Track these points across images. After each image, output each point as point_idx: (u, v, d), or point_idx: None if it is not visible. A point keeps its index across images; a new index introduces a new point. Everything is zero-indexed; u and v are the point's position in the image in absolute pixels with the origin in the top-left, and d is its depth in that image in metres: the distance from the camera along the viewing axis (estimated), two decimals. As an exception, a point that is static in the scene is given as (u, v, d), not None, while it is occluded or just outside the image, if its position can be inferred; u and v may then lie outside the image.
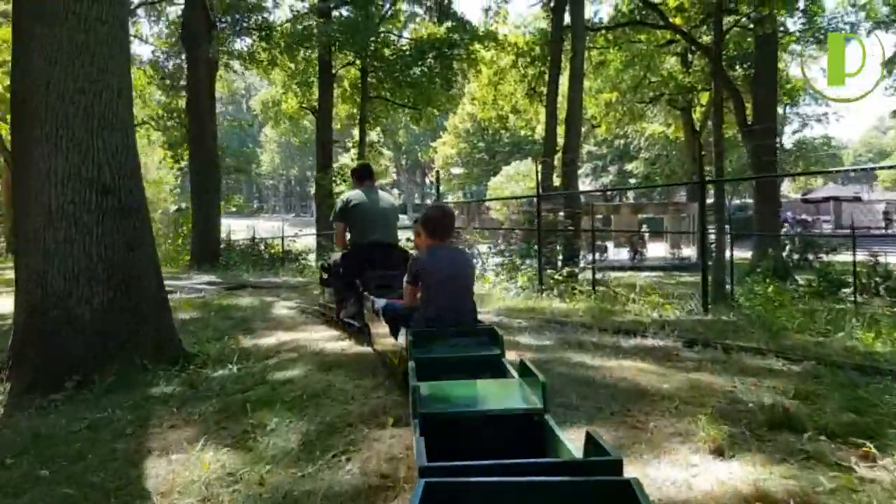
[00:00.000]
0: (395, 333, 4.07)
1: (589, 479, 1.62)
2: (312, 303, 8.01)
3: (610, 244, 30.48)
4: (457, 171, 52.48)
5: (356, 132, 26.40)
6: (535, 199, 11.80)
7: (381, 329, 4.51)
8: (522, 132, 46.12)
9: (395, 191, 46.23)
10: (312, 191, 35.10)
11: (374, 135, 28.85)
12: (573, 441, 2.07)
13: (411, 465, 2.67)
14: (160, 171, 33.77)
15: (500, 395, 2.62)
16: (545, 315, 7.20)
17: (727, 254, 14.98)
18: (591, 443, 1.86)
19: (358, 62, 23.29)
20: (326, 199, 23.29)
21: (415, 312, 3.79)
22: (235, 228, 28.25)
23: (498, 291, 9.63)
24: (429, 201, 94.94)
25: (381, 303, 4.54)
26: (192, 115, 17.38)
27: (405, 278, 3.91)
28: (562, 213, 13.91)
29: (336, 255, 6.07)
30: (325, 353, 5.13)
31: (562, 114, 18.62)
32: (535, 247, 11.33)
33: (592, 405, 3.56)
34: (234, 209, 49.32)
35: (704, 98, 31.10)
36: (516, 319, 6.96)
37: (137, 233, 5.10)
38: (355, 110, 25.81)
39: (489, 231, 26.09)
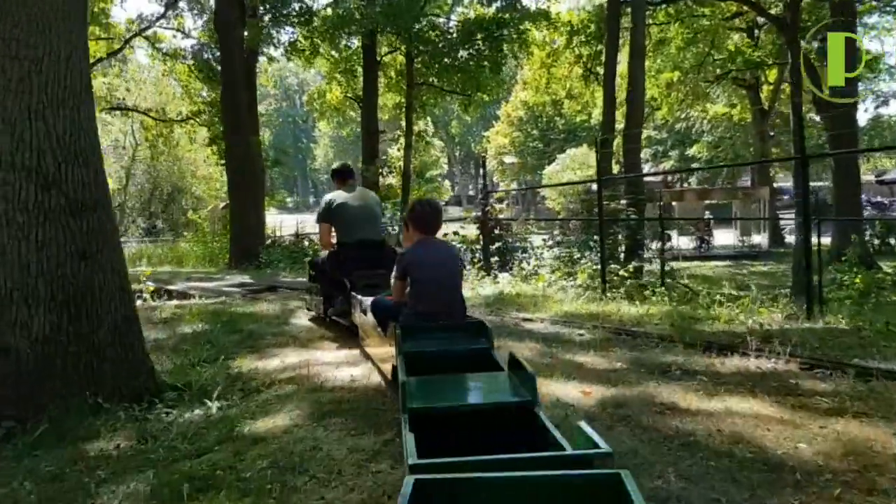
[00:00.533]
0: (384, 329, 3.98)
1: (579, 473, 1.58)
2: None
3: (673, 233, 28.68)
4: (510, 160, 50.96)
5: (404, 123, 25.30)
6: (594, 185, 10.48)
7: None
8: (577, 118, 44.38)
9: (447, 182, 45.05)
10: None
11: (421, 124, 27.72)
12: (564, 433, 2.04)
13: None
14: (210, 166, 33.51)
15: (490, 389, 2.61)
16: (612, 323, 5.92)
17: (813, 241, 13.33)
18: (582, 436, 1.82)
19: (403, 47, 22.15)
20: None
21: (403, 307, 3.78)
22: (289, 224, 27.58)
23: (554, 292, 8.34)
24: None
25: (368, 300, 4.51)
26: (227, 108, 16.50)
27: (393, 273, 3.90)
28: (623, 201, 12.49)
29: (324, 254, 6.07)
30: (328, 386, 4.01)
31: (620, 95, 17.11)
32: (596, 238, 10.04)
33: (705, 496, 2.30)
34: (285, 205, 48.96)
35: (772, 75, 28.96)
36: (577, 329, 5.71)
37: (94, 237, 4.00)
38: (401, 98, 24.71)
39: (545, 222, 24.67)
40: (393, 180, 24.52)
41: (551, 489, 1.53)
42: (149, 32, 23.49)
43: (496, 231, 10.66)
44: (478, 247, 11.09)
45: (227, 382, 4.18)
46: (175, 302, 8.57)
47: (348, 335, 5.63)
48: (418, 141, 25.38)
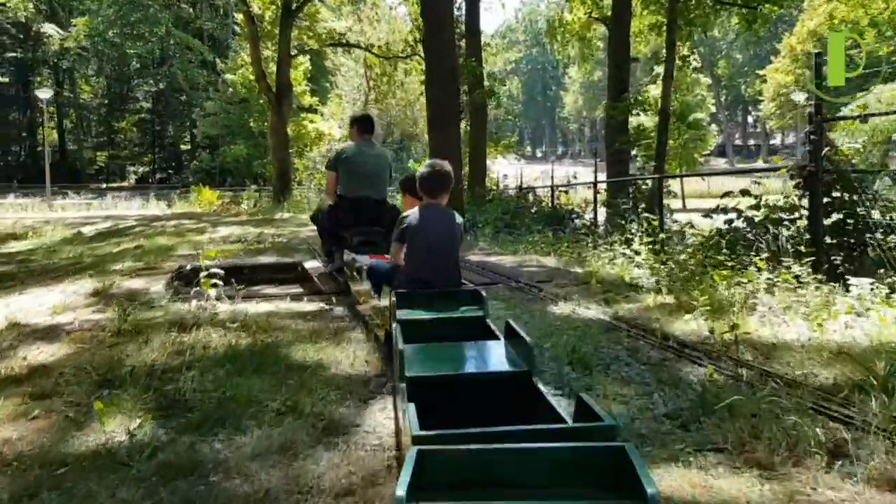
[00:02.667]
0: (377, 292, 4.09)
1: (584, 446, 1.57)
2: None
3: None
4: (800, 96, 42.24)
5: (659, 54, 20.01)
6: None
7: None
8: (881, 51, 34.99)
9: (714, 127, 38.26)
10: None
11: (685, 50, 22.13)
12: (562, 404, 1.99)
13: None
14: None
15: (486, 358, 2.59)
16: None
17: None
18: (583, 408, 1.80)
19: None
20: (619, 136, 17.68)
21: (399, 272, 3.79)
22: (529, 176, 23.98)
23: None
24: (752, 142, 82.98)
25: (365, 260, 4.78)
26: (429, 48, 12.97)
27: (392, 237, 3.88)
28: None
29: (326, 208, 6.00)
30: None
31: None
32: None
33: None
34: (527, 154, 45.32)
35: None
36: None
37: None
38: (660, 18, 19.49)
39: None
40: (646, 120, 19.61)
41: (556, 462, 1.51)
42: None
43: (839, 192, 5.70)
44: (796, 219, 6.28)
45: None
46: (228, 307, 5.18)
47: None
48: (681, 69, 19.96)
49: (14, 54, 45.94)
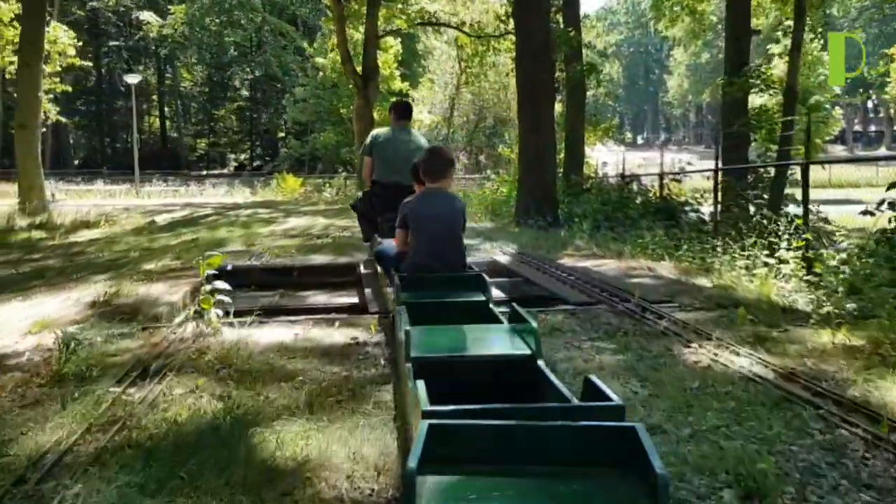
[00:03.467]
0: (390, 278, 3.90)
1: (592, 425, 1.56)
2: None
3: None
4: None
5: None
6: None
7: None
8: None
9: (838, 111, 34.75)
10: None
11: (814, 20, 19.47)
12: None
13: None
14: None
15: (491, 341, 2.58)
16: None
17: None
18: (590, 388, 1.82)
19: None
20: (737, 117, 15.50)
21: (404, 257, 3.83)
22: (630, 163, 22.01)
23: None
24: (873, 128, 76.14)
25: (381, 246, 4.61)
26: (520, 15, 11.37)
27: (396, 222, 3.91)
28: None
29: (362, 194, 6.21)
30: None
31: None
32: None
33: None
34: (628, 140, 42.79)
35: None
36: None
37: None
38: (789, -18, 17.07)
39: None
40: (766, 100, 17.27)
41: (563, 439, 1.51)
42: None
43: None
44: None
45: None
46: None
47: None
48: (810, 42, 17.49)
49: (116, 43, 47.13)
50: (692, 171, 14.15)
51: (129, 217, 15.11)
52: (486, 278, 3.31)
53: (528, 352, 2.30)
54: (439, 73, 33.46)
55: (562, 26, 14.94)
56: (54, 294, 5.44)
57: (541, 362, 2.22)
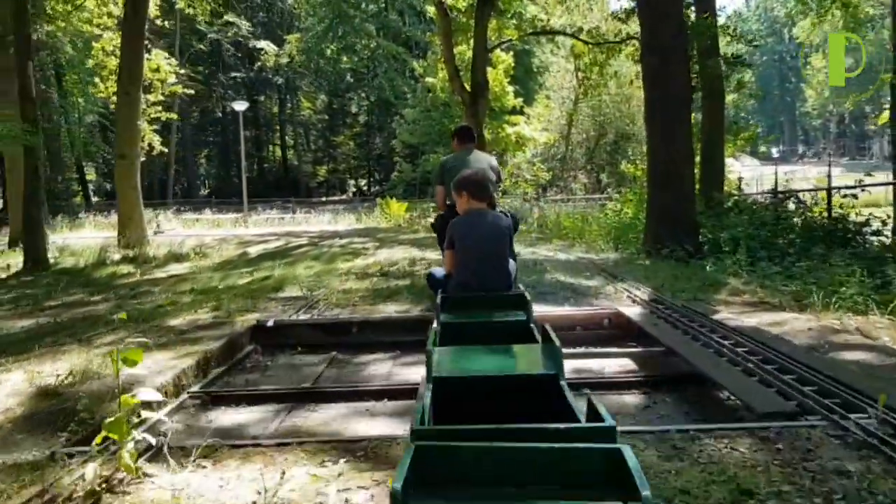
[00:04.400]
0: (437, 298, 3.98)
1: (579, 447, 1.56)
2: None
3: None
4: None
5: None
6: None
7: None
8: None
9: None
10: (871, 126, 23.09)
11: None
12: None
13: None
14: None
15: (518, 361, 2.58)
16: None
17: None
18: (592, 409, 1.81)
19: None
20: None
21: (451, 277, 3.93)
22: (769, 178, 19.31)
23: None
24: None
25: (433, 269, 4.76)
26: (645, 13, 9.41)
27: (444, 243, 4.06)
28: None
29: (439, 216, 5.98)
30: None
31: None
32: None
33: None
34: (764, 154, 38.98)
35: None
36: None
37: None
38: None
39: None
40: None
41: (552, 460, 1.51)
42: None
43: None
44: None
45: None
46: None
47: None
48: None
49: (239, 74, 48.34)
50: (878, 184, 11.45)
51: (225, 248, 14.31)
52: (528, 297, 3.26)
53: (549, 371, 2.27)
54: (556, 89, 31.53)
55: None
56: (21, 367, 4.09)
57: (563, 382, 2.18)
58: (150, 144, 19.89)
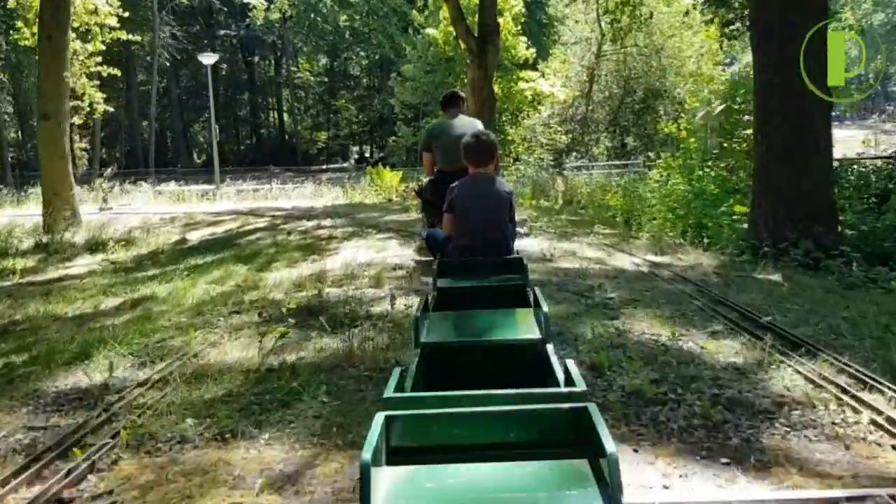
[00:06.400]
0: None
1: (547, 408, 1.60)
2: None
3: None
4: None
5: None
6: None
7: None
8: None
9: None
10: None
11: None
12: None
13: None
14: (706, 57, 22.88)
15: (508, 326, 2.56)
16: None
17: None
18: (568, 374, 1.85)
19: None
20: None
21: (450, 241, 3.85)
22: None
23: None
24: None
25: (432, 230, 4.59)
26: None
27: (444, 206, 3.90)
28: None
29: (426, 182, 6.15)
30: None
31: None
32: None
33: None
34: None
35: None
36: None
37: None
38: None
39: None
40: None
41: (520, 424, 1.54)
42: None
43: None
44: None
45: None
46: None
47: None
48: None
49: (229, 31, 44.72)
50: None
51: (165, 232, 11.24)
52: (525, 262, 3.24)
53: (536, 336, 2.27)
54: (574, 42, 27.84)
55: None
56: None
57: (549, 346, 2.18)
58: (91, 104, 16.46)
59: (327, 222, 10.55)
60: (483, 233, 3.63)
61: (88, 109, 16.59)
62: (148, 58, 38.23)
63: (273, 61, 52.94)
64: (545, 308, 2.34)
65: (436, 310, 2.61)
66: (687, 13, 21.31)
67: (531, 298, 2.73)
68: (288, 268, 6.33)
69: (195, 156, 51.24)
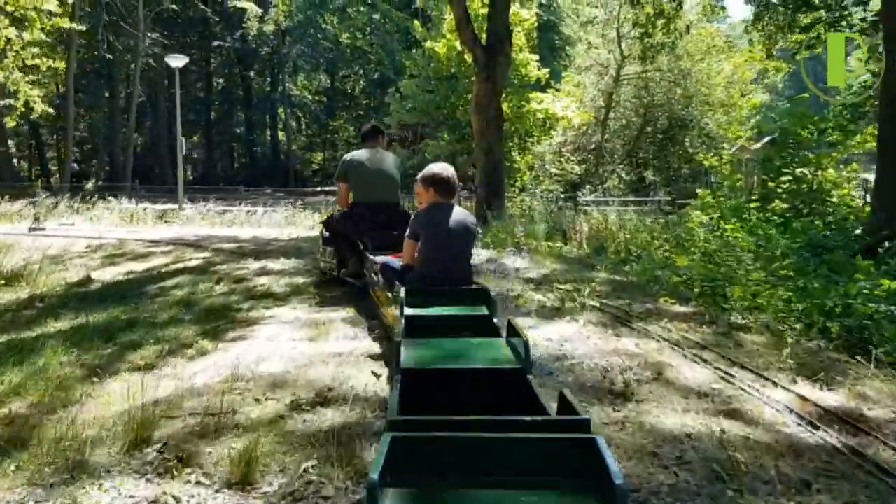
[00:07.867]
0: (391, 290, 4.07)
1: (555, 437, 1.59)
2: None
3: None
4: None
5: None
6: None
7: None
8: None
9: None
10: None
11: None
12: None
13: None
14: (737, 87, 20.46)
15: (485, 354, 2.57)
16: None
17: None
18: (564, 403, 1.84)
19: None
20: None
21: (411, 269, 3.82)
22: None
23: None
24: None
25: (380, 259, 4.56)
26: None
27: (406, 234, 3.91)
28: None
29: (338, 214, 6.05)
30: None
31: None
32: None
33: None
34: None
35: None
36: None
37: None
38: None
39: None
40: None
41: (528, 450, 1.52)
42: None
43: None
44: None
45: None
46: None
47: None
48: None
49: (224, 43, 42.39)
50: None
51: (77, 265, 8.75)
52: (491, 293, 3.29)
53: (518, 365, 2.29)
54: (590, 65, 25.41)
55: None
56: None
57: (529, 376, 2.20)
58: (26, 103, 13.88)
59: (276, 266, 7.85)
60: (451, 262, 3.63)
61: (23, 109, 14.06)
62: (132, 66, 35.77)
63: (269, 77, 50.72)
64: (525, 338, 2.40)
65: (406, 337, 2.56)
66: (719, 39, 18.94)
67: (501, 328, 2.77)
68: (142, 372, 3.66)
69: (189, 172, 48.72)
